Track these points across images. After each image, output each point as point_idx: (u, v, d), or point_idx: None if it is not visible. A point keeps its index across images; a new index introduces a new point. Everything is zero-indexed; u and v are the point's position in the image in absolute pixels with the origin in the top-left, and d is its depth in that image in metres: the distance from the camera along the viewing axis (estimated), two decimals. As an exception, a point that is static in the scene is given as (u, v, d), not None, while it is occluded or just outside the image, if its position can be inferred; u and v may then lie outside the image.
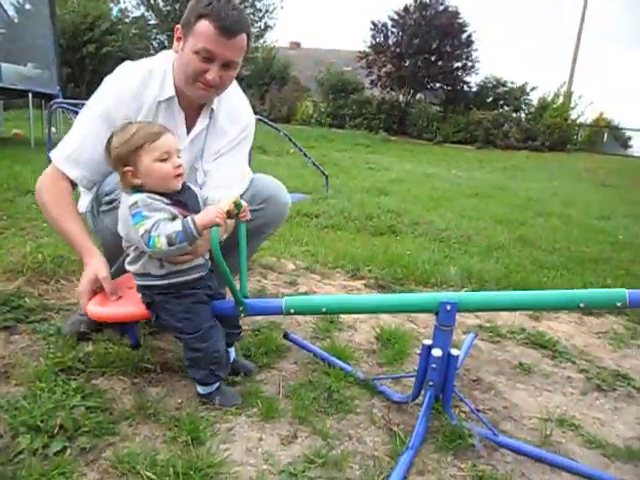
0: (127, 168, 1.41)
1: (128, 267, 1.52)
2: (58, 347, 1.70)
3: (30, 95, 8.54)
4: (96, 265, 1.59)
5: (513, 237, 4.33)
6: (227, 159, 1.77)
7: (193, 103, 1.70)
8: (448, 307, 1.43)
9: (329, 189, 5.99)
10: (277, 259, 3.02)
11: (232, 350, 1.71)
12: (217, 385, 1.54)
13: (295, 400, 1.58)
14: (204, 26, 1.52)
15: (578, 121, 20.06)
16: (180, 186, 1.48)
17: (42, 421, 1.30)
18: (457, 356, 1.46)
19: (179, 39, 1.61)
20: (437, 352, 1.44)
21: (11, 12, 12.18)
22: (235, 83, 1.82)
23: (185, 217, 1.40)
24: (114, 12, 20.58)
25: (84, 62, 18.08)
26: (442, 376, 1.46)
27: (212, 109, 1.74)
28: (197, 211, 1.46)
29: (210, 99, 1.70)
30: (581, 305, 1.37)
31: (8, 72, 8.78)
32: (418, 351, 1.85)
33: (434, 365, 1.45)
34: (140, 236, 1.37)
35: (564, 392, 1.86)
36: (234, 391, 1.59)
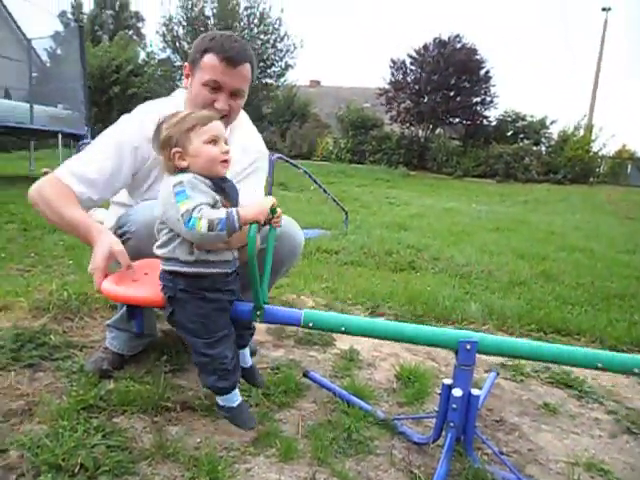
0: (176, 149, 1.42)
1: (157, 250, 1.48)
2: (80, 385, 1.72)
3: (60, 135, 8.86)
4: (109, 240, 1.53)
5: (535, 272, 4.27)
6: (245, 185, 1.78)
7: None
8: (468, 346, 1.41)
9: (349, 224, 6.02)
10: (297, 296, 3.03)
11: (246, 354, 1.69)
12: (238, 402, 1.52)
13: (314, 440, 1.56)
14: (210, 59, 1.63)
15: (600, 153, 19.92)
16: (225, 173, 1.49)
17: (64, 460, 1.31)
18: (478, 396, 1.44)
19: (187, 76, 1.73)
20: (457, 392, 1.42)
21: (44, 57, 12.79)
22: (247, 118, 1.90)
23: (226, 206, 1.41)
24: (141, 56, 21.44)
25: (111, 103, 18.77)
26: (463, 417, 1.44)
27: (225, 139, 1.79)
28: (236, 204, 1.47)
29: None
30: (599, 365, 1.36)
31: (39, 114, 9.16)
32: (439, 390, 1.83)
33: (455, 405, 1.42)
34: (181, 214, 1.34)
35: (592, 434, 1.81)
36: (252, 414, 1.57)
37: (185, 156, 1.42)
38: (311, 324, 1.54)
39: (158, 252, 1.48)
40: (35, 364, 1.87)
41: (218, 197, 1.43)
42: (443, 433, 1.50)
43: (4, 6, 19.03)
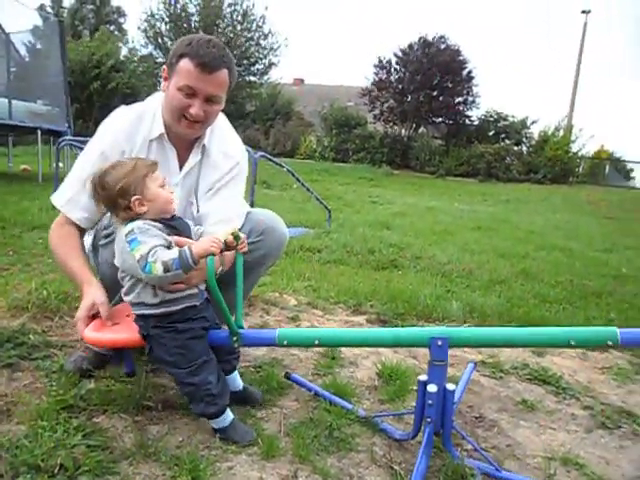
0: (136, 197, 1.46)
1: (124, 297, 1.56)
2: (60, 385, 1.70)
3: (39, 132, 8.73)
4: (93, 292, 1.63)
5: (515, 271, 4.34)
6: (223, 194, 1.81)
7: (183, 139, 1.77)
8: (439, 342, 1.44)
9: (332, 223, 6.04)
10: (279, 294, 3.03)
11: (236, 378, 1.73)
12: (230, 420, 1.54)
13: (296, 438, 1.57)
14: (185, 64, 1.62)
15: (579, 154, 20.25)
16: (174, 211, 1.56)
17: (43, 460, 1.30)
18: (453, 391, 1.46)
19: (165, 79, 1.71)
20: (432, 388, 1.44)
21: (23, 51, 12.58)
22: (226, 122, 1.90)
23: (180, 245, 1.46)
24: (123, 52, 21.22)
25: (92, 99, 18.57)
26: (440, 412, 1.46)
27: (204, 145, 1.80)
28: (190, 238, 1.55)
29: (197, 134, 1.76)
30: (572, 343, 1.37)
31: (18, 109, 9.00)
32: (419, 388, 1.86)
33: (430, 401, 1.45)
34: (137, 261, 1.40)
35: (568, 430, 1.84)
36: (248, 427, 1.60)
37: (144, 202, 1.48)
38: (285, 342, 1.57)
39: (126, 299, 1.55)
40: (14, 364, 1.85)
41: (170, 238, 1.49)
42: (422, 429, 1.52)
43: (-19, -1, 18.63)
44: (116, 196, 1.47)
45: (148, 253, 1.39)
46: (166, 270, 1.38)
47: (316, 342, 1.57)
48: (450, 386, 1.46)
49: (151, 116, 1.76)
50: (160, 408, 1.67)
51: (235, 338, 1.57)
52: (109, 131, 1.75)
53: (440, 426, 1.48)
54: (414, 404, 1.81)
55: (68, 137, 7.02)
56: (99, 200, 1.52)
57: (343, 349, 2.31)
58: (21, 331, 2.04)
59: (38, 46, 12.71)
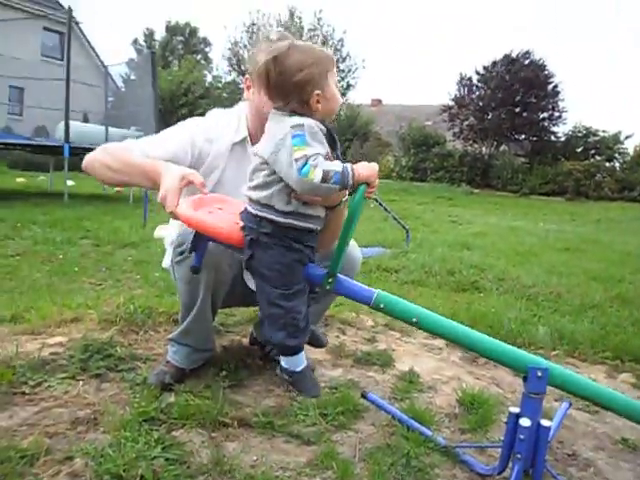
0: (317, 91, 1.35)
1: (250, 192, 1.43)
2: (143, 397, 1.76)
3: (132, 156, 9.34)
4: (179, 167, 1.55)
5: (610, 295, 4.02)
6: None
7: None
8: (539, 373, 1.33)
9: (410, 243, 5.93)
10: (356, 314, 2.99)
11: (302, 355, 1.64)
12: (303, 366, 1.48)
13: (372, 464, 1.51)
14: None
15: (680, 170, 18.71)
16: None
17: (125, 470, 1.34)
18: (549, 427, 1.35)
19: (248, 88, 1.78)
20: (525, 422, 1.33)
21: (119, 82, 13.64)
22: None
23: (329, 158, 1.36)
24: (208, 79, 22.38)
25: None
26: (531, 449, 1.35)
27: None
28: (339, 157, 1.42)
29: None
30: None
31: (114, 136, 9.71)
32: (504, 418, 1.74)
33: (522, 436, 1.34)
34: (295, 159, 1.28)
35: (677, 474, 1.65)
36: (317, 381, 1.53)
37: (321, 99, 1.36)
38: (382, 305, 1.47)
39: (252, 194, 1.42)
40: (102, 374, 1.94)
41: (329, 149, 1.38)
42: (509, 465, 1.41)
43: (84, 35, 20.45)
44: (295, 84, 1.33)
45: (311, 156, 1.28)
46: (324, 180, 1.27)
47: (414, 319, 1.47)
48: (545, 422, 1.35)
49: (237, 121, 1.86)
50: (236, 425, 1.67)
51: (330, 280, 1.47)
52: (203, 125, 1.85)
53: (530, 464, 1.36)
54: (498, 436, 1.71)
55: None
56: (266, 85, 1.37)
57: (422, 374, 2.23)
58: (109, 343, 2.14)
59: (132, 77, 13.72)
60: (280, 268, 1.41)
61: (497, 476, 1.48)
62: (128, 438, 1.48)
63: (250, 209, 1.43)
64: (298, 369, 1.50)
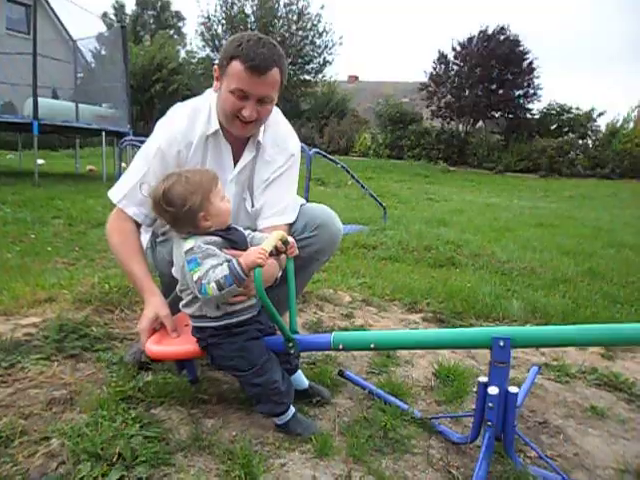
0: (202, 214, 1.46)
1: (184, 309, 1.57)
2: (120, 376, 1.75)
3: (103, 133, 9.13)
4: (157, 304, 1.66)
5: (581, 269, 4.12)
6: (277, 186, 1.83)
7: (238, 136, 1.77)
8: (501, 343, 1.36)
9: (387, 220, 5.96)
10: (334, 291, 3.01)
11: (301, 376, 1.73)
12: (292, 413, 1.54)
13: (350, 437, 1.53)
14: (236, 67, 1.59)
15: (651, 147, 19.06)
16: (230, 221, 1.57)
17: (102, 449, 1.33)
18: (516, 394, 1.38)
19: (217, 79, 1.70)
20: (494, 390, 1.37)
21: (89, 57, 13.21)
22: (280, 113, 1.89)
23: (236, 257, 1.45)
24: (181, 53, 21.85)
25: (153, 101, 19.24)
26: (501, 416, 1.39)
27: (258, 141, 1.80)
28: (246, 248, 1.53)
29: (251, 134, 1.77)
30: None
31: (84, 113, 9.46)
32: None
33: (491, 404, 1.37)
34: (194, 282, 1.42)
35: (642, 440, 1.71)
36: (309, 420, 1.60)
37: (208, 217, 1.48)
38: (341, 346, 1.56)
39: (187, 311, 1.57)
40: (77, 354, 1.92)
41: (229, 253, 1.48)
42: (482, 432, 1.45)
43: (51, 8, 19.68)
44: (183, 213, 1.47)
45: (204, 274, 1.41)
46: (220, 288, 1.40)
47: (372, 346, 1.54)
48: (512, 389, 1.38)
49: (206, 112, 1.77)
50: (215, 402, 1.68)
51: (290, 344, 1.57)
52: (166, 129, 1.77)
53: (501, 430, 1.40)
54: (473, 407, 1.74)
55: (129, 137, 7.30)
56: (162, 215, 1.51)
57: (398, 348, 2.26)
58: (84, 323, 2.11)
59: (102, 52, 13.30)
60: (237, 355, 1.52)
61: (471, 444, 1.52)
62: (105, 417, 1.47)
63: (192, 323, 1.58)
64: (289, 418, 1.55)
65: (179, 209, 1.46)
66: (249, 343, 1.53)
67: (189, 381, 1.69)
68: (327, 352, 2.14)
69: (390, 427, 1.58)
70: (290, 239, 1.53)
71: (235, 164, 1.81)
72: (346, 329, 2.40)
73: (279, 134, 1.86)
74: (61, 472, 1.28)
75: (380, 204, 6.14)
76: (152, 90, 19.18)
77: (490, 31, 20.46)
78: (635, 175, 17.89)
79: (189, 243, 1.46)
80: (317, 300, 2.83)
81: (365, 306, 2.86)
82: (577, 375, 2.17)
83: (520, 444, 1.56)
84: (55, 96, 12.10)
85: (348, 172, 6.13)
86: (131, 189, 1.74)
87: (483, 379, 1.42)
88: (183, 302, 1.56)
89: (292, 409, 1.55)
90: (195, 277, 1.42)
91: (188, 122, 1.76)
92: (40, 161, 9.06)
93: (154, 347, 1.58)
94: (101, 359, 1.90)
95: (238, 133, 1.73)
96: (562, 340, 1.40)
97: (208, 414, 1.62)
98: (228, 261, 1.44)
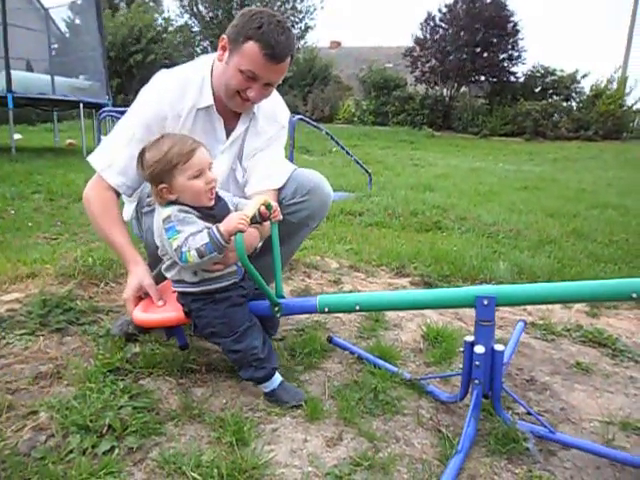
0: (162, 185, 1.43)
1: (165, 273, 1.56)
2: (107, 348, 1.73)
3: (81, 105, 8.89)
4: (140, 273, 1.63)
5: (566, 230, 4.15)
6: (265, 154, 1.83)
7: (234, 110, 1.75)
8: (485, 301, 1.37)
9: (372, 186, 5.93)
10: (321, 258, 3.00)
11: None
12: (279, 381, 1.54)
13: (340, 401, 1.54)
14: (252, 49, 1.54)
15: (634, 107, 19.07)
16: (212, 202, 1.50)
17: (91, 421, 1.33)
18: (502, 351, 1.40)
19: (224, 49, 1.63)
20: (480, 349, 1.38)
21: (63, 28, 12.74)
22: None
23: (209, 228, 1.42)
24: (159, 21, 21.16)
25: (132, 72, 18.71)
26: (488, 373, 1.40)
27: (253, 112, 1.79)
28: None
29: (247, 110, 1.76)
30: (634, 296, 1.24)
31: (60, 84, 9.18)
32: (466, 350, 1.79)
33: (478, 362, 1.39)
34: (174, 250, 1.40)
35: (626, 393, 1.75)
36: (297, 388, 1.59)
37: (172, 190, 1.44)
38: (326, 309, 1.56)
39: (166, 274, 1.56)
40: (63, 329, 1.89)
41: (207, 224, 1.44)
42: (470, 391, 1.46)
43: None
44: (148, 179, 1.47)
45: (183, 242, 1.39)
46: (201, 256, 1.38)
47: (357, 307, 1.54)
48: (498, 347, 1.40)
49: (199, 83, 1.71)
50: (204, 371, 1.68)
51: (276, 309, 1.58)
52: (152, 99, 1.70)
53: (489, 388, 1.42)
54: (461, 366, 1.76)
55: (108, 108, 7.12)
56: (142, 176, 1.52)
57: (388, 312, 2.26)
58: (69, 297, 2.08)
59: (77, 21, 12.83)
60: (218, 321, 1.51)
61: (460, 403, 1.54)
62: (93, 389, 1.47)
63: (173, 288, 1.57)
64: (276, 386, 1.54)
65: (145, 173, 1.46)
66: (231, 310, 1.52)
67: (179, 347, 1.68)
68: (316, 318, 2.14)
69: (380, 389, 1.59)
70: (274, 204, 1.50)
71: (228, 136, 1.78)
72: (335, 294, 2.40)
73: (271, 106, 1.84)
74: (50, 445, 1.27)
75: (365, 170, 6.10)
76: (131, 60, 18.62)
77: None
78: (618, 136, 17.95)
79: (166, 211, 1.43)
80: (304, 267, 2.82)
81: (353, 272, 2.86)
82: (562, 333, 2.20)
83: (508, 401, 1.58)
84: (30, 68, 11.72)
85: (332, 138, 6.05)
86: (114, 158, 1.68)
87: (469, 338, 1.43)
88: (164, 266, 1.55)
89: (278, 377, 1.54)
90: (174, 245, 1.40)
91: (179, 93, 1.69)
92: (17, 136, 8.82)
93: (141, 315, 1.57)
94: (87, 332, 1.88)
95: (235, 108, 1.71)
96: (546, 297, 1.40)
97: (198, 383, 1.62)
98: (208, 228, 1.41)
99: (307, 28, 21.82)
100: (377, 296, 1.64)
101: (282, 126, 1.88)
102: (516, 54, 20.47)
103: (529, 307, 2.45)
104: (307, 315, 2.19)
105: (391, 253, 3.14)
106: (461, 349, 1.91)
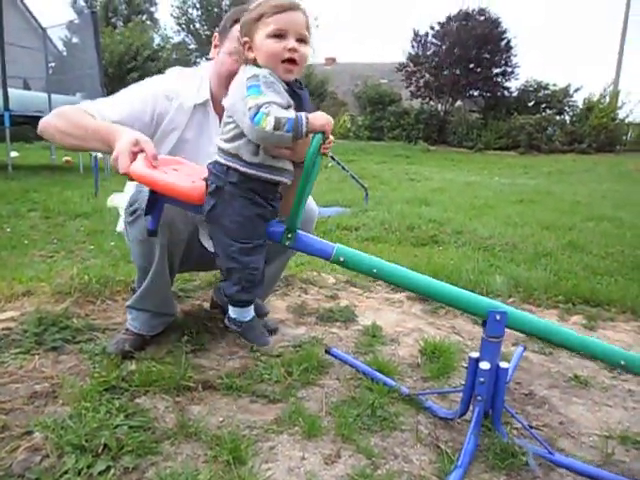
0: (245, 38, 1.35)
1: (220, 143, 1.40)
2: (103, 366, 1.72)
3: (78, 123, 8.91)
4: (134, 132, 1.47)
5: (562, 243, 4.16)
6: None
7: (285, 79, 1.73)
8: (498, 317, 1.36)
9: (368, 201, 5.95)
10: (317, 273, 2.99)
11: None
12: (251, 317, 1.49)
13: (338, 417, 1.53)
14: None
15: (627, 120, 19.28)
16: (291, 77, 1.36)
17: (87, 440, 1.31)
18: (507, 369, 1.39)
19: (216, 46, 1.73)
20: (485, 365, 1.37)
21: (60, 46, 12.84)
22: None
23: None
24: (156, 40, 21.40)
25: (129, 90, 18.86)
26: (491, 390, 1.39)
27: None
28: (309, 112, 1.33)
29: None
30: (622, 363, 1.32)
31: (58, 103, 9.21)
32: (464, 364, 1.79)
33: (482, 379, 1.38)
34: (248, 108, 1.25)
35: (625, 407, 1.74)
36: (265, 331, 1.54)
37: (253, 47, 1.34)
38: (342, 259, 1.45)
39: (222, 145, 1.39)
40: (58, 347, 1.88)
41: (292, 102, 1.32)
42: (470, 408, 1.46)
43: (18, -5, 19.05)
44: (240, 30, 1.37)
45: (264, 104, 1.24)
46: (276, 128, 1.23)
47: (374, 271, 1.46)
48: (503, 364, 1.39)
49: (198, 81, 1.80)
50: (200, 388, 1.66)
51: (290, 236, 1.44)
52: (157, 84, 1.77)
53: (490, 405, 1.41)
54: (459, 382, 1.76)
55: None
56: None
57: (385, 327, 2.26)
58: (65, 315, 2.07)
59: (74, 40, 12.93)
60: (242, 221, 1.38)
61: (459, 419, 1.53)
62: (89, 408, 1.45)
63: (219, 158, 1.40)
64: (247, 319, 1.49)
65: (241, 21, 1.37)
66: (258, 219, 1.40)
67: (148, 231, 1.53)
68: (313, 334, 2.13)
69: (378, 405, 1.58)
70: (331, 137, 1.38)
71: None
72: (331, 311, 2.40)
73: None
74: (45, 465, 1.26)
75: (362, 185, 6.12)
76: (128, 78, 18.77)
77: (470, 10, 20.38)
78: (612, 149, 18.12)
79: (254, 70, 1.31)
80: (301, 283, 2.82)
81: (349, 287, 2.86)
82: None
83: (507, 416, 1.57)
84: (27, 87, 11.79)
85: (326, 155, 6.07)
86: (103, 107, 1.66)
87: (474, 354, 1.42)
88: (223, 136, 1.39)
89: (252, 312, 1.49)
90: (251, 102, 1.25)
91: (178, 86, 1.77)
92: (14, 154, 8.82)
93: (141, 168, 1.36)
94: (83, 351, 1.86)
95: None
96: (548, 336, 1.41)
97: (194, 401, 1.61)
98: (288, 107, 1.30)
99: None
100: (397, 269, 1.50)
101: None
102: (509, 69, 20.73)
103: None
104: (303, 331, 2.18)
105: (388, 268, 3.13)
106: (459, 364, 1.92)
